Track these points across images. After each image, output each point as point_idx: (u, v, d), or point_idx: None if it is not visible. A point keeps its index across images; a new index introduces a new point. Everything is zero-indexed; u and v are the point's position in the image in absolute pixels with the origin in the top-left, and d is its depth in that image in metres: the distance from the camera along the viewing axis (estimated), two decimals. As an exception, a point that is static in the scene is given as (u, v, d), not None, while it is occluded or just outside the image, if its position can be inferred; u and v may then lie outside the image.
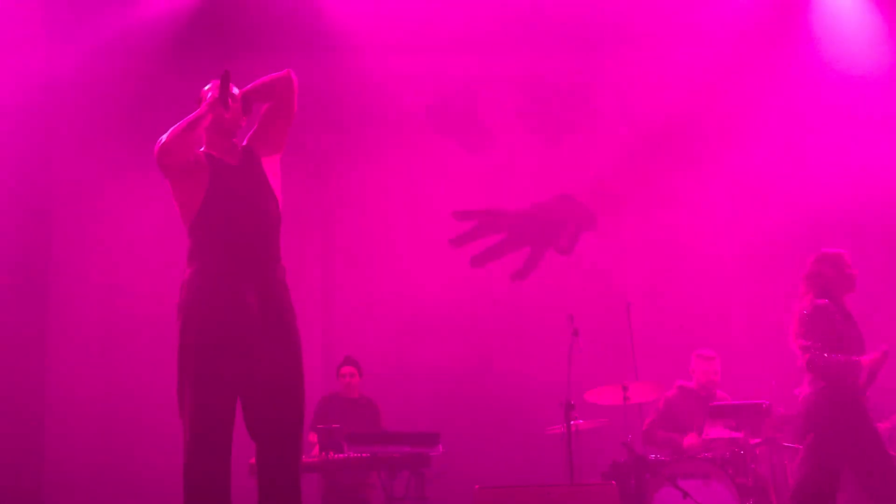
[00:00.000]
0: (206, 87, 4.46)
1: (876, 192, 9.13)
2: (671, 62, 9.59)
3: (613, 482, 6.02)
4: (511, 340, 9.39)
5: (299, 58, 9.04)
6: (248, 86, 4.48)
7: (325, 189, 9.84)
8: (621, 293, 8.58)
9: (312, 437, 7.87)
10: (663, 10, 9.40)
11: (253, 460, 4.39)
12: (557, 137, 9.86)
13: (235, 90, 4.40)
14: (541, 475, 7.55)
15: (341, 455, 7.35)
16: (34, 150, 8.96)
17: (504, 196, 9.96)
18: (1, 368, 8.47)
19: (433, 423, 7.95)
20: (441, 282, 9.66)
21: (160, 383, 8.01)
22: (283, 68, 4.55)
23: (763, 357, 8.78)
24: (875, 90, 9.31)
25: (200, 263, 4.25)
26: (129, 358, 9.02)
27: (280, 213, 4.54)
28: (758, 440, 7.23)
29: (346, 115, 9.71)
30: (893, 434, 7.72)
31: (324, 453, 7.37)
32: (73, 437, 8.85)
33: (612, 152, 9.72)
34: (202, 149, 4.39)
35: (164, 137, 4.20)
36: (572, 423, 7.32)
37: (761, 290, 9.31)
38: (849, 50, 9.26)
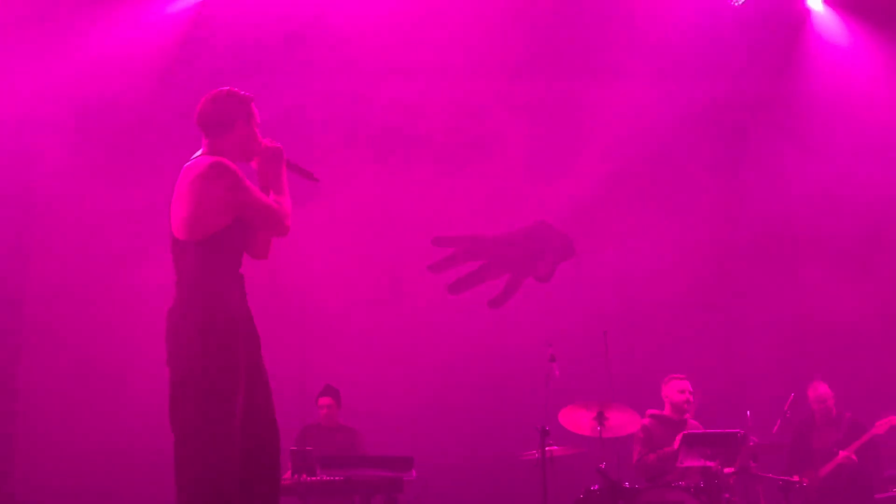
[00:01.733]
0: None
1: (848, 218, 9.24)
2: (654, 94, 9.65)
3: (587, 507, 6.00)
4: (488, 366, 9.37)
5: (281, 77, 9.11)
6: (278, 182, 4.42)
7: (302, 212, 9.81)
8: (598, 320, 8.57)
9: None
10: (651, 41, 9.47)
11: None
12: (538, 164, 9.90)
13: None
14: (515, 501, 7.52)
15: (314, 478, 7.31)
16: (16, 158, 8.95)
17: (483, 222, 9.97)
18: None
19: (408, 448, 7.92)
20: (418, 308, 9.64)
21: (135, 390, 8.02)
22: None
23: (738, 387, 8.82)
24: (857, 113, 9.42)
25: (223, 281, 4.15)
26: (104, 370, 8.95)
27: None
28: (732, 469, 7.22)
29: (325, 137, 9.71)
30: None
31: (297, 476, 7.33)
32: (45, 445, 8.76)
33: (593, 180, 9.73)
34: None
35: (286, 217, 4.30)
36: (547, 449, 7.29)
37: (739, 319, 9.36)
38: (833, 74, 9.35)
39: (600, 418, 7.36)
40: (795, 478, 7.43)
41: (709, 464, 7.20)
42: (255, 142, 4.36)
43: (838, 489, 7.90)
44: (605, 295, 9.28)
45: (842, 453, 7.88)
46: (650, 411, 7.96)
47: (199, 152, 4.33)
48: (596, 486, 7.21)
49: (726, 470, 7.17)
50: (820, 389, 8.28)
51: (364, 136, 9.76)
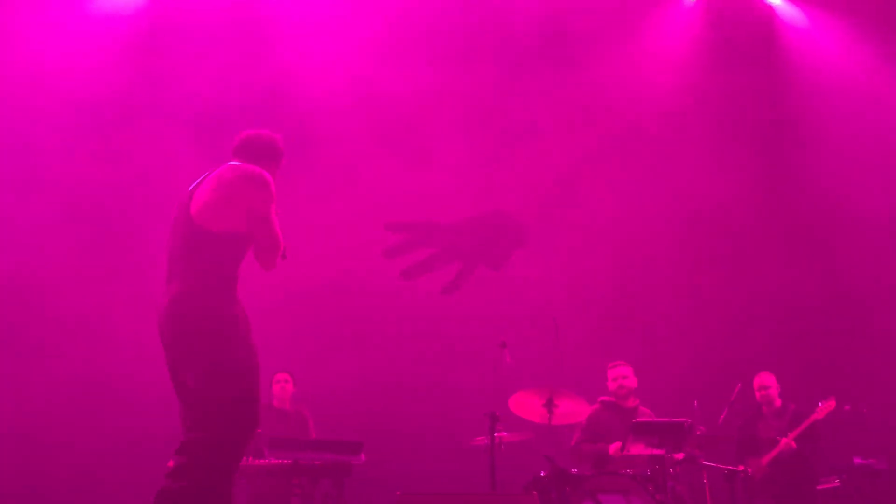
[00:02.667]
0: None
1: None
2: (608, 87, 9.71)
3: (535, 493, 6.02)
4: (439, 353, 9.39)
5: (240, 66, 9.05)
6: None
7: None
8: (549, 308, 8.62)
9: None
10: (604, 34, 9.53)
11: (171, 463, 4.28)
12: (493, 154, 9.91)
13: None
14: (463, 486, 7.53)
15: (262, 461, 7.26)
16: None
17: (437, 210, 9.97)
18: None
19: (357, 432, 7.91)
20: (371, 293, 9.62)
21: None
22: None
23: (686, 376, 8.91)
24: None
25: (230, 284, 4.42)
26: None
27: None
28: (678, 458, 7.29)
29: (283, 124, 9.63)
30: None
31: (245, 458, 7.29)
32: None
33: (547, 170, 9.80)
34: None
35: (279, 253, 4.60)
36: (496, 434, 7.32)
37: (688, 309, 9.46)
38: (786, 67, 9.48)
39: (550, 405, 7.39)
40: (740, 467, 7.54)
41: (656, 452, 7.27)
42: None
43: (781, 478, 8.02)
44: (557, 283, 9.33)
45: (783, 440, 7.99)
46: (601, 398, 8.03)
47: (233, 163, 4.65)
48: (544, 473, 7.24)
49: (673, 458, 7.24)
50: (765, 379, 8.40)
51: (320, 123, 9.70)
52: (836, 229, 9.47)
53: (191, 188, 4.53)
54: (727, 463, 7.61)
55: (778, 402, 8.35)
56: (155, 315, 4.44)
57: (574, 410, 7.65)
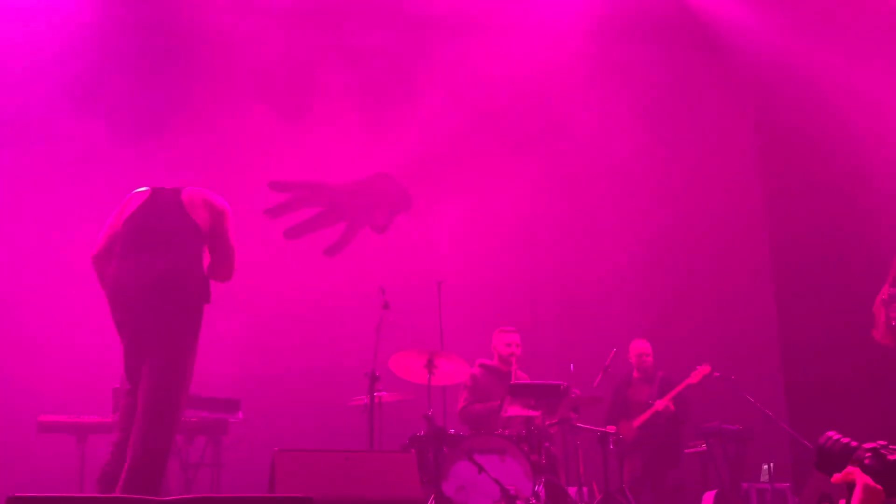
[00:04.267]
0: None
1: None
2: (496, 50, 9.76)
3: (413, 451, 6.07)
4: (321, 312, 9.35)
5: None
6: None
7: (132, 152, 9.50)
8: (433, 271, 8.66)
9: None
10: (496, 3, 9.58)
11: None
12: (379, 115, 9.88)
13: None
14: (342, 445, 7.53)
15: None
16: None
17: (322, 170, 9.91)
18: None
19: (235, 390, 7.84)
20: (253, 252, 9.50)
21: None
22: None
23: (564, 340, 9.09)
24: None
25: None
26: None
27: None
28: (553, 420, 7.44)
29: (161, 76, 9.43)
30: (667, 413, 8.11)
31: (117, 414, 7.14)
32: None
33: (432, 134, 9.82)
34: None
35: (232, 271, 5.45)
36: (376, 394, 7.34)
37: (568, 277, 9.63)
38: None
39: (430, 366, 7.43)
40: (612, 429, 7.74)
41: (532, 414, 7.41)
42: None
43: (651, 440, 8.26)
44: (441, 246, 9.39)
45: (660, 402, 8.22)
46: (480, 360, 8.12)
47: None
48: (422, 432, 7.31)
49: (548, 420, 7.39)
50: (642, 346, 8.63)
51: (205, 80, 9.52)
52: (713, 202, 9.73)
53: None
54: (600, 425, 7.81)
55: (651, 369, 8.59)
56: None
57: (454, 371, 7.72)
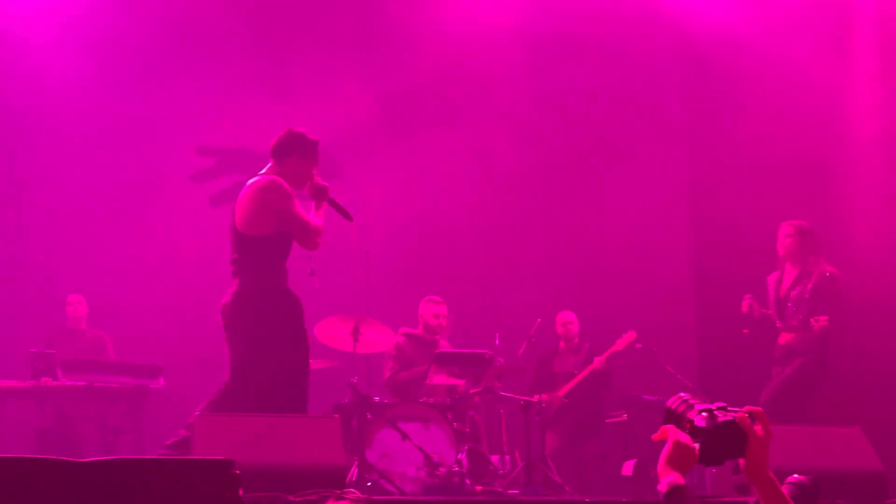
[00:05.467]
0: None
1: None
2: (430, 17, 9.71)
3: (337, 416, 6.06)
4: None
5: None
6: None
7: (53, 120, 9.30)
8: (360, 239, 8.62)
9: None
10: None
11: None
12: (308, 82, 9.78)
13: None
14: (265, 412, 7.48)
15: (56, 382, 7.04)
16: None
17: (249, 137, 9.78)
18: None
19: (157, 356, 7.75)
20: (176, 217, 9.39)
21: None
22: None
23: (489, 310, 9.13)
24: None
25: (277, 279, 5.43)
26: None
27: None
28: (478, 389, 7.49)
29: (89, 42, 9.23)
30: None
31: (36, 379, 7.02)
32: None
33: (361, 102, 9.76)
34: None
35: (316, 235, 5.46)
36: (301, 361, 7.30)
37: (494, 248, 9.67)
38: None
39: (355, 333, 7.42)
40: (535, 398, 7.82)
41: (456, 382, 7.45)
42: (306, 175, 5.46)
43: (574, 410, 8.35)
44: (370, 214, 9.33)
45: (597, 359, 8.28)
46: (403, 329, 8.12)
47: (263, 170, 5.48)
48: (346, 400, 7.30)
49: (472, 389, 7.44)
50: (568, 316, 8.69)
51: (134, 44, 9.33)
52: (638, 177, 9.81)
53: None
54: (524, 395, 7.88)
55: (576, 340, 8.66)
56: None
57: (379, 339, 7.73)
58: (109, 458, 3.65)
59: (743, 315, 7.21)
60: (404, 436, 7.10)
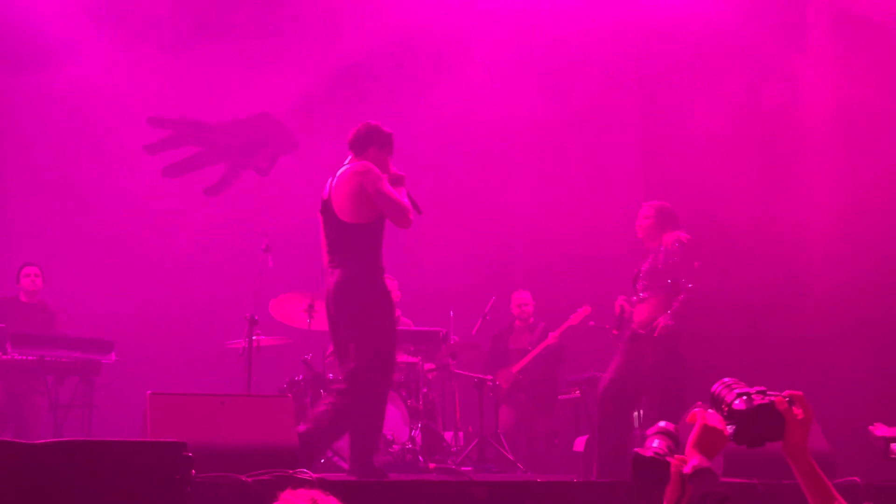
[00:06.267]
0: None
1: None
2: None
3: (289, 396, 6.05)
4: (200, 253, 9.18)
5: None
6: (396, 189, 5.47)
7: (16, 80, 9.14)
8: (316, 215, 8.56)
9: None
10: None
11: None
12: (264, 54, 9.67)
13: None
14: (219, 388, 7.44)
15: (5, 356, 6.95)
16: None
17: (203, 108, 9.68)
18: None
19: (109, 331, 7.66)
20: (130, 189, 9.28)
21: None
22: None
23: (445, 287, 9.13)
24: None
25: (376, 262, 5.45)
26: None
27: None
28: (432, 366, 7.51)
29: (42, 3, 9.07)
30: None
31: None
32: None
33: (319, 74, 9.67)
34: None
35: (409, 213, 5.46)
36: (255, 338, 7.27)
37: (449, 226, 9.66)
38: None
39: (310, 310, 7.40)
40: (489, 376, 7.86)
41: (411, 359, 7.47)
42: (383, 165, 5.53)
43: (527, 387, 8.40)
44: (325, 190, 9.26)
45: (551, 335, 8.32)
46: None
47: (345, 162, 5.61)
48: (300, 377, 7.29)
49: (426, 366, 7.46)
50: (524, 297, 8.71)
51: (87, 12, 9.18)
52: (596, 160, 9.83)
53: (325, 191, 5.57)
54: (477, 372, 7.92)
55: (531, 319, 8.70)
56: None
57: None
58: (60, 439, 3.61)
59: (616, 317, 6.51)
60: (358, 413, 7.11)
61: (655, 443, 2.39)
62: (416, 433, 6.97)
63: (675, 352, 6.11)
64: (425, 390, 7.35)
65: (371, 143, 5.61)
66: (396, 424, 7.18)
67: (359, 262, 5.41)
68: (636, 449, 2.39)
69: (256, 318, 7.25)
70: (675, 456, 2.36)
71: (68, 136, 9.26)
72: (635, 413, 8.60)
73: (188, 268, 9.12)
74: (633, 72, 9.69)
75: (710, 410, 2.38)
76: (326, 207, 5.57)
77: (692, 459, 2.28)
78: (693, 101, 8.80)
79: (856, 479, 4.99)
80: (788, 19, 8.68)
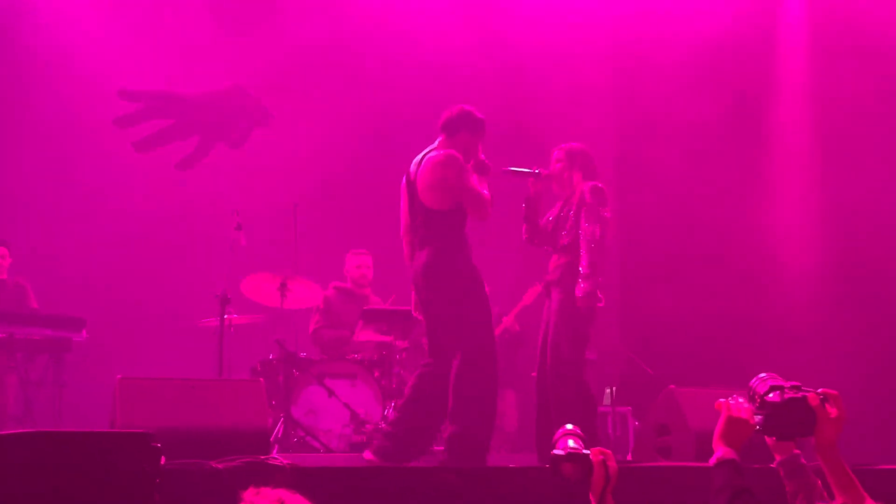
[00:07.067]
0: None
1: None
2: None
3: (262, 379, 6.02)
4: (171, 230, 9.09)
5: None
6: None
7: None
8: (290, 192, 8.52)
9: None
10: None
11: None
12: (239, 27, 9.56)
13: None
14: (190, 368, 7.42)
15: (-27, 334, 6.90)
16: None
17: (175, 80, 9.56)
18: None
19: (81, 308, 7.60)
20: (101, 163, 9.17)
21: None
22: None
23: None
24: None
25: (461, 245, 5.49)
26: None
27: None
28: (405, 345, 7.50)
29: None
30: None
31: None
32: None
33: (294, 47, 9.56)
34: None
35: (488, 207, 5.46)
36: (227, 317, 7.22)
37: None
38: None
39: (283, 289, 7.38)
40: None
41: (384, 339, 7.46)
42: (473, 151, 5.54)
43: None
44: (299, 166, 9.20)
45: (504, 319, 8.32)
46: (334, 283, 8.09)
47: (434, 144, 5.57)
48: (273, 356, 7.28)
49: (399, 345, 7.45)
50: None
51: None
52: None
53: (412, 171, 5.54)
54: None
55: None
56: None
57: (307, 295, 7.69)
58: (28, 430, 3.58)
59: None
60: (331, 392, 7.12)
61: (570, 443, 2.44)
62: (389, 413, 6.98)
63: (572, 295, 5.69)
64: (398, 370, 7.35)
65: (463, 126, 5.57)
66: (369, 404, 7.19)
67: (442, 245, 5.43)
68: (553, 452, 2.43)
69: (228, 296, 7.20)
70: (591, 449, 2.45)
71: (37, 110, 9.12)
72: (607, 390, 8.67)
73: (159, 243, 9.03)
74: (609, 68, 9.69)
75: (733, 401, 2.43)
76: (411, 189, 5.58)
77: (718, 451, 2.35)
78: (669, 100, 8.82)
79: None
80: (765, 21, 8.73)
